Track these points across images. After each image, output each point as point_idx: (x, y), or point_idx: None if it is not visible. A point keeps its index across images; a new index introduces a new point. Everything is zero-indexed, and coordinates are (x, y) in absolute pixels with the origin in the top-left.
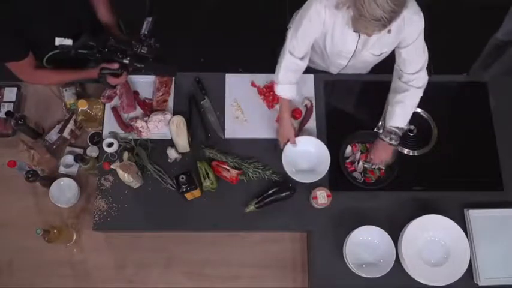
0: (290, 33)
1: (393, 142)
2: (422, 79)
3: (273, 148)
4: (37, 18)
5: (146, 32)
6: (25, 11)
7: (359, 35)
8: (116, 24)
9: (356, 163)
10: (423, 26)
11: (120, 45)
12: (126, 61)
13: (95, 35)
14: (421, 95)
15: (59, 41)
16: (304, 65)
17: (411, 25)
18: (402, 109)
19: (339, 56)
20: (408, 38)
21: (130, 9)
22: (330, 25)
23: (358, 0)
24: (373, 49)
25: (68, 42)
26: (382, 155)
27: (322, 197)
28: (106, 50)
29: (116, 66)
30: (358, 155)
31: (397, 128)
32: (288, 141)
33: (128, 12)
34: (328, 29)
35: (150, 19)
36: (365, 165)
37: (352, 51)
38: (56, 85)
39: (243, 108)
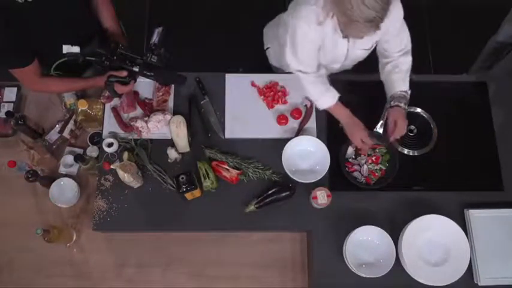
0: (289, 59)
1: (405, 106)
2: (407, 54)
3: (273, 148)
4: (42, 28)
5: (156, 42)
6: (29, 21)
7: (348, 38)
8: (121, 33)
9: (361, 167)
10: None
11: (129, 53)
12: (135, 69)
13: (103, 42)
14: (410, 58)
15: (66, 48)
16: (322, 71)
17: (394, 7)
18: (398, 74)
19: (333, 61)
20: (393, 21)
21: (130, 14)
22: (320, 39)
23: (344, 7)
24: (363, 44)
25: (76, 49)
26: (404, 121)
27: (322, 197)
28: (115, 57)
29: (124, 73)
30: (364, 159)
31: (405, 91)
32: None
33: (127, 17)
34: (319, 43)
35: (160, 29)
36: (369, 167)
37: (344, 54)
38: (63, 93)
39: (243, 108)
